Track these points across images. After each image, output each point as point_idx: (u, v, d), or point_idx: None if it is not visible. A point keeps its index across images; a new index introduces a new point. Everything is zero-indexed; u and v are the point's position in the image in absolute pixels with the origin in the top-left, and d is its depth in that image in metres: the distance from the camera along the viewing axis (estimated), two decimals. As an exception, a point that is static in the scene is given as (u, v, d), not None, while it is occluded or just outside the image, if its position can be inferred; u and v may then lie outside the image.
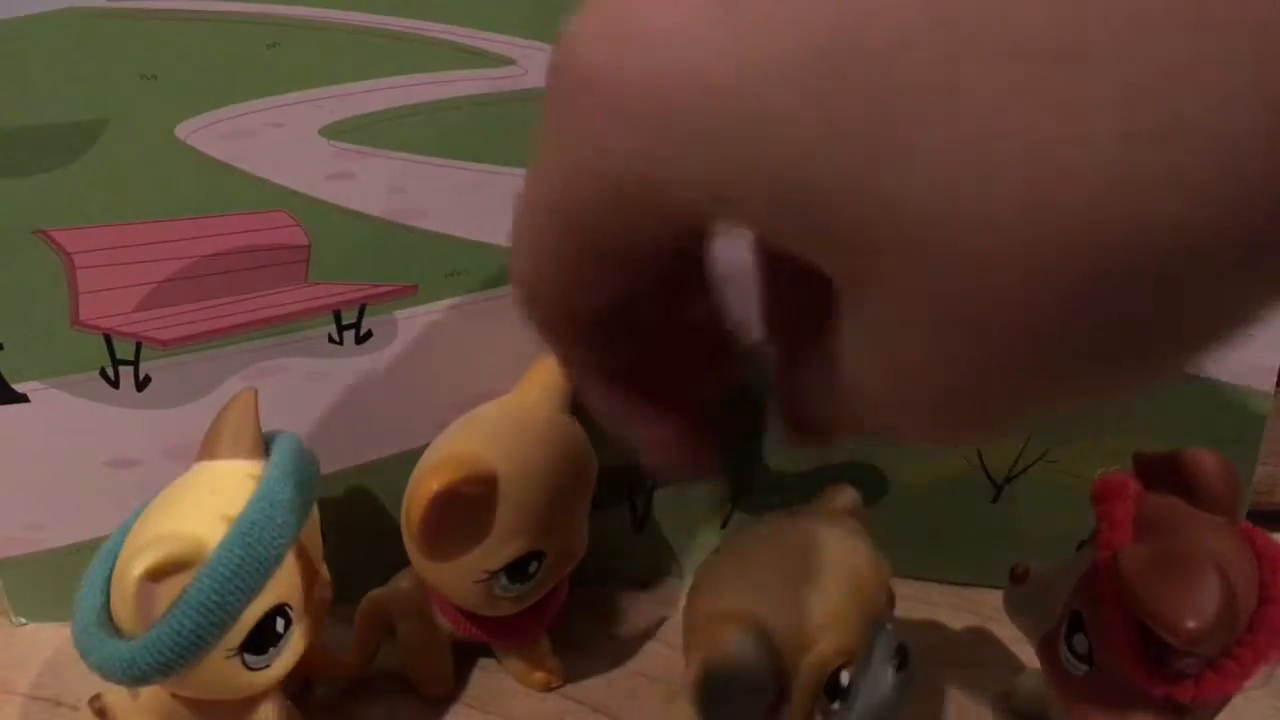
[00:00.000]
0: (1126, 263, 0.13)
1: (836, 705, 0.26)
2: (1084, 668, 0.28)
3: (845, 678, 0.26)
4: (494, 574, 0.31)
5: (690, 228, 0.17)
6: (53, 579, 0.37)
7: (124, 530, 0.29)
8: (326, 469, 0.33)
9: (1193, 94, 0.12)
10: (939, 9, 0.13)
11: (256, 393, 0.31)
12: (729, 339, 0.25)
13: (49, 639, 0.38)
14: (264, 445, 0.31)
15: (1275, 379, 0.35)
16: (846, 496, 0.31)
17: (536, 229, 0.19)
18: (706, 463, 0.24)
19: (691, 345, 0.25)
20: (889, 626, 0.28)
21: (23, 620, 0.39)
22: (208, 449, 0.31)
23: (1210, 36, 0.12)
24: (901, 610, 0.38)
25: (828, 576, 0.26)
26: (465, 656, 0.36)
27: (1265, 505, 0.41)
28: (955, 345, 0.15)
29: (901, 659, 0.27)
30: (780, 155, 0.14)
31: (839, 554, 0.27)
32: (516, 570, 0.31)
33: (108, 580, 0.28)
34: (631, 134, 0.16)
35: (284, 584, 0.29)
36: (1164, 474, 0.29)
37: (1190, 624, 0.24)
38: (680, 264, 0.22)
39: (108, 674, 0.27)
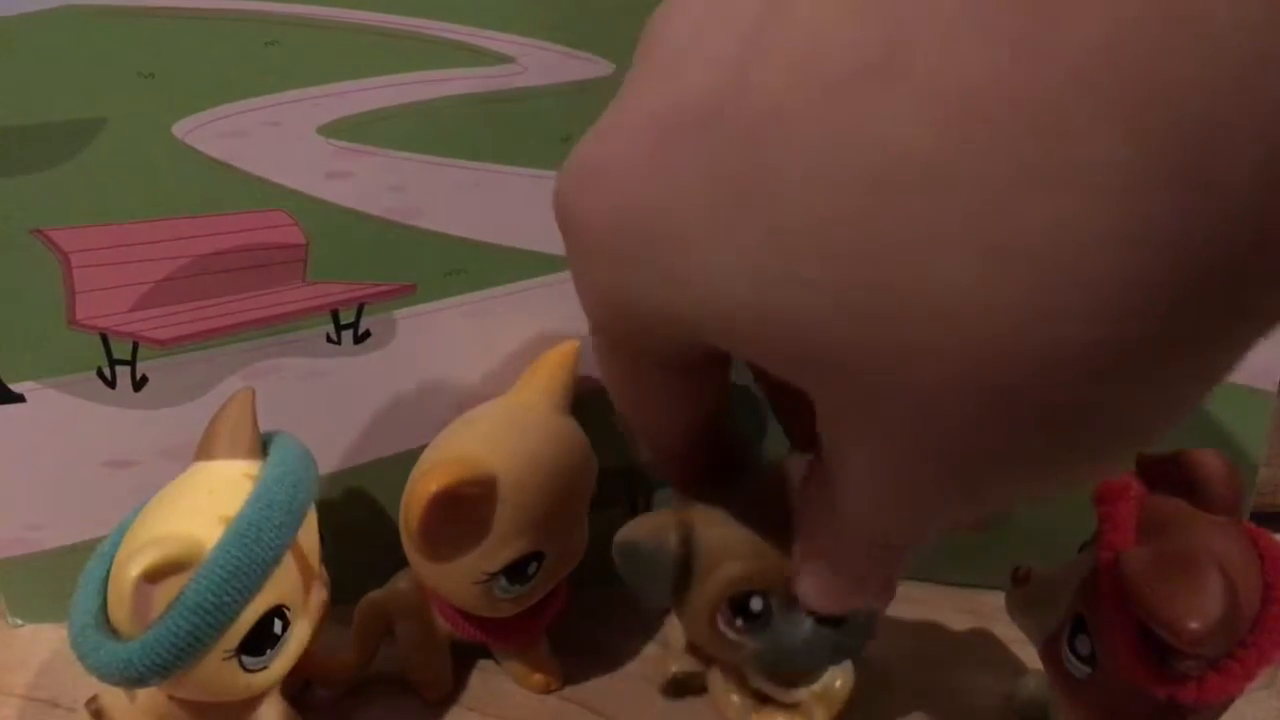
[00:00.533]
0: (1002, 383, 0.14)
1: (740, 622, 0.29)
2: (1086, 669, 0.28)
3: (756, 603, 0.29)
4: (493, 575, 0.31)
5: (686, 340, 0.18)
6: (49, 580, 0.37)
7: (121, 531, 0.29)
8: (324, 469, 0.33)
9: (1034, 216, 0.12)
10: (809, 145, 0.14)
11: (254, 392, 0.31)
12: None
13: (45, 640, 0.38)
14: (261, 445, 0.31)
15: (1278, 380, 0.35)
16: None
17: (605, 363, 0.22)
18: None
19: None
20: None
21: (19, 621, 0.39)
22: (205, 449, 0.31)
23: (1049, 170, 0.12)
24: (901, 611, 0.38)
25: (778, 520, 0.28)
26: (464, 658, 0.36)
27: (1268, 507, 0.41)
28: (883, 464, 0.16)
29: (831, 622, 0.29)
30: (703, 288, 0.16)
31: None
32: (516, 572, 0.31)
33: (105, 581, 0.28)
34: (597, 267, 0.18)
35: (282, 585, 0.28)
36: (1166, 475, 0.29)
37: (1193, 625, 0.24)
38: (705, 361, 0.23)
39: (105, 675, 0.27)
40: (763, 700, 0.33)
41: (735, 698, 0.33)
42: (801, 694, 0.32)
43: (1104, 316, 0.12)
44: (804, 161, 0.14)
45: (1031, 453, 0.15)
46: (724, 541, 0.29)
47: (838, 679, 0.33)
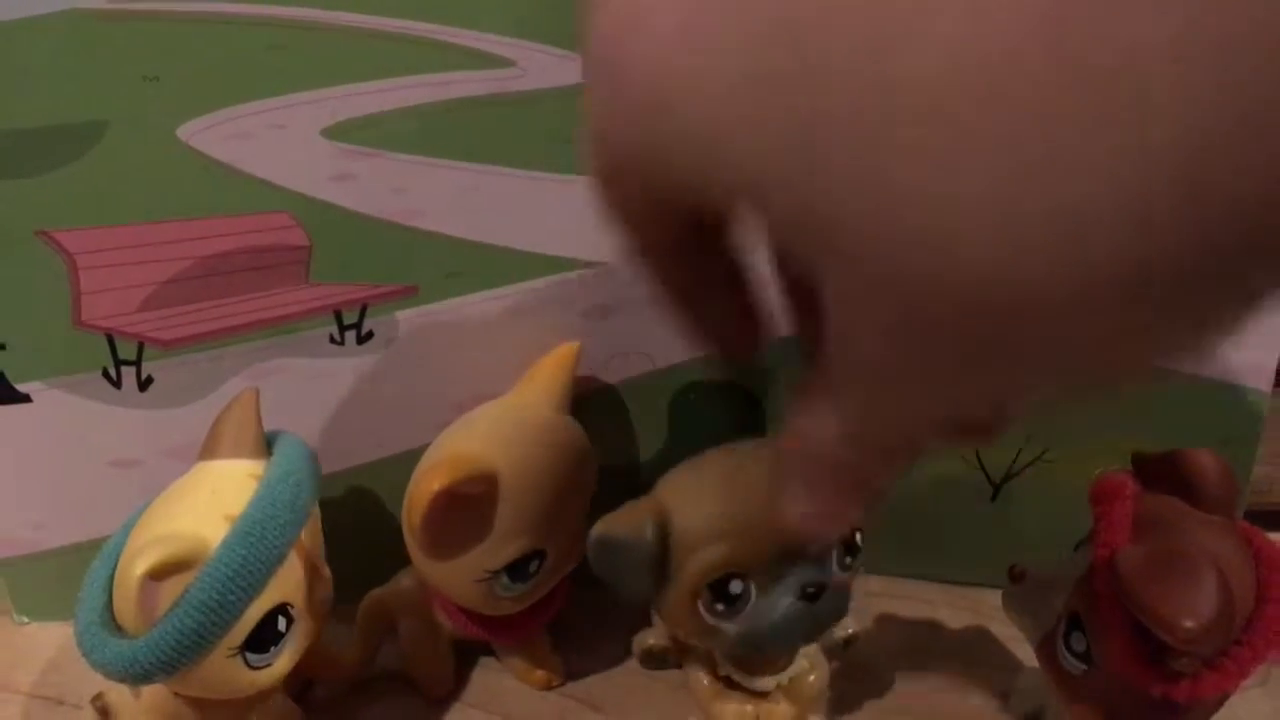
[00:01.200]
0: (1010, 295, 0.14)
1: (721, 607, 0.29)
2: (1082, 666, 0.29)
3: (736, 586, 0.29)
4: (495, 573, 0.31)
5: (690, 202, 0.18)
6: (55, 578, 0.37)
7: (126, 530, 0.29)
8: (328, 469, 0.33)
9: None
10: (861, 36, 0.13)
11: (258, 392, 0.31)
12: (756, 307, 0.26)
13: (51, 638, 0.38)
14: (265, 445, 0.31)
15: (1273, 378, 0.35)
16: None
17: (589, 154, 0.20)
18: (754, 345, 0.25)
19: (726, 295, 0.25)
20: (823, 568, 0.30)
21: (25, 619, 0.39)
22: (209, 449, 0.31)
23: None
24: (899, 608, 0.39)
25: (753, 499, 0.29)
26: (466, 655, 0.36)
27: (1263, 505, 0.41)
28: (887, 350, 0.16)
29: (809, 595, 0.29)
30: (727, 156, 0.15)
31: None
32: (517, 569, 0.32)
33: (110, 580, 0.28)
34: (626, 112, 0.17)
35: (286, 583, 0.29)
36: (1162, 474, 0.29)
37: (1188, 624, 0.25)
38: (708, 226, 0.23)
39: (110, 673, 0.27)
40: (731, 686, 0.33)
41: (706, 681, 0.34)
42: (769, 683, 0.33)
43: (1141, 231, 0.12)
44: (851, 42, 0.14)
45: (1034, 355, 0.15)
46: (701, 526, 0.29)
47: (811, 674, 0.33)
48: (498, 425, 0.33)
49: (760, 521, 0.29)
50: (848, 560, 0.31)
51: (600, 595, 0.35)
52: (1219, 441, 0.35)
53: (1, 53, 0.31)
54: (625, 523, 0.29)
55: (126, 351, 0.35)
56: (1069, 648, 0.29)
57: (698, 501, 0.30)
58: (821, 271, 0.16)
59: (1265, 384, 0.35)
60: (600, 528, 0.29)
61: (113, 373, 0.35)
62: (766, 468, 0.30)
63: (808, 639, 0.32)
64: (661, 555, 0.29)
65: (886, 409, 0.19)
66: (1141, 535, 0.28)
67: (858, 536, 0.31)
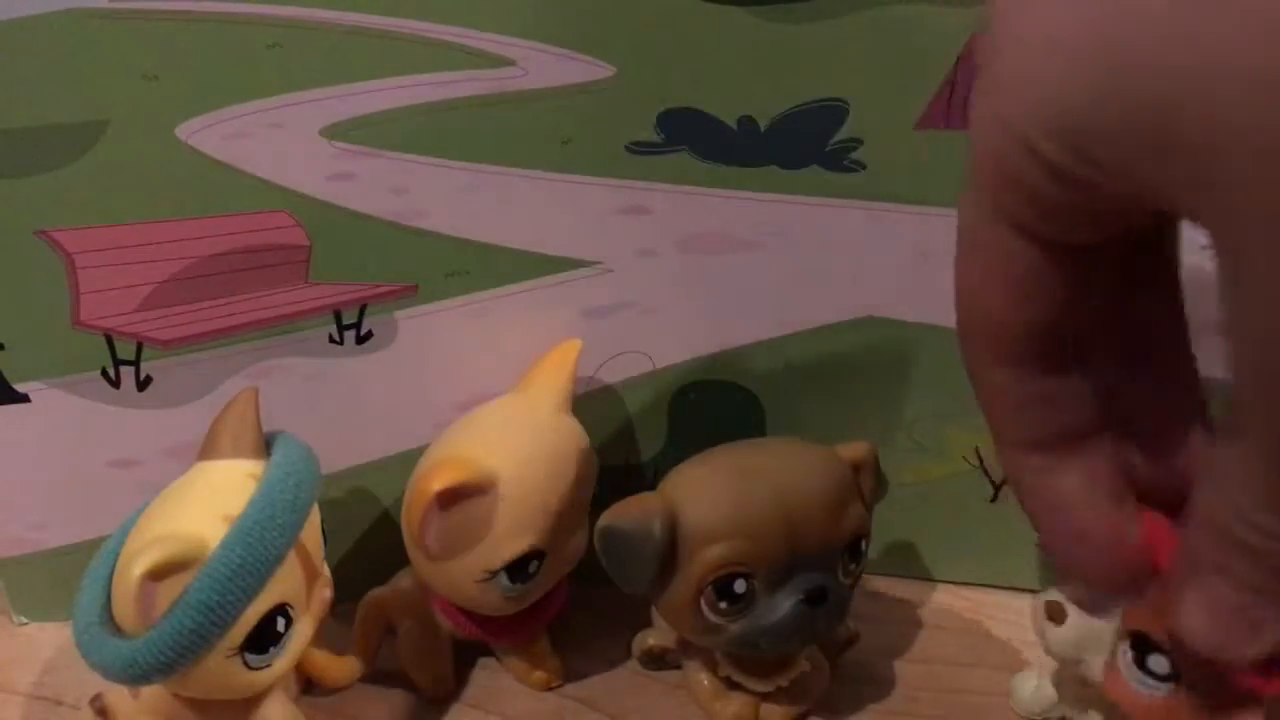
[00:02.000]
0: None
1: (724, 605, 0.29)
2: (1166, 687, 0.26)
3: (740, 585, 0.29)
4: (494, 574, 0.31)
5: (1118, 202, 0.17)
6: (54, 579, 0.37)
7: (125, 530, 0.29)
8: (327, 469, 0.33)
9: None
10: None
11: (257, 392, 0.31)
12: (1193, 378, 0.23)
13: (50, 639, 0.38)
14: (265, 445, 0.31)
15: None
16: (859, 450, 0.32)
17: (974, 228, 0.20)
18: (1133, 569, 0.22)
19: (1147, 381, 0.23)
20: (831, 573, 0.30)
21: (23, 620, 0.39)
22: (208, 449, 0.31)
23: None
24: (900, 610, 0.39)
25: (766, 499, 0.29)
26: (465, 656, 0.36)
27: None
28: None
29: (812, 599, 0.29)
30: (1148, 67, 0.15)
31: (792, 486, 0.30)
32: (517, 570, 0.31)
33: (109, 580, 0.28)
34: (1044, 77, 0.17)
35: (285, 584, 0.29)
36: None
37: None
38: (1130, 263, 0.22)
39: (109, 674, 0.27)
40: (732, 686, 0.33)
41: (706, 680, 0.34)
42: (769, 684, 0.33)
43: None
44: None
45: None
46: (709, 523, 0.29)
47: (811, 676, 0.33)
48: (497, 425, 0.33)
49: (769, 522, 0.29)
50: (852, 566, 0.31)
51: (600, 595, 0.35)
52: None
53: (1, 52, 0.31)
54: (633, 514, 0.29)
55: (125, 351, 0.35)
56: (1148, 672, 0.26)
57: (706, 498, 0.30)
58: (1235, 225, 0.15)
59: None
60: (607, 517, 0.29)
61: (111, 373, 0.35)
62: (778, 467, 0.30)
63: (809, 641, 0.32)
64: (667, 549, 0.29)
65: None
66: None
67: (863, 544, 0.31)
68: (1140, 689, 0.26)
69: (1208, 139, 0.15)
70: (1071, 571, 0.23)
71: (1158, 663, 0.26)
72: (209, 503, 0.28)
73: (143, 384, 0.35)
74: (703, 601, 0.30)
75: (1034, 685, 0.33)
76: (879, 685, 0.35)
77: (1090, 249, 0.19)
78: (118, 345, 0.35)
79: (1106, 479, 0.22)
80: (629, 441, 0.38)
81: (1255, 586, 0.18)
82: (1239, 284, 0.16)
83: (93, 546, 0.30)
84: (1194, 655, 0.20)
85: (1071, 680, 0.31)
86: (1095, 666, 0.28)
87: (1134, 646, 0.26)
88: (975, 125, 0.19)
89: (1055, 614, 0.28)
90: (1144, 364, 0.22)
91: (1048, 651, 0.30)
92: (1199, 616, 0.19)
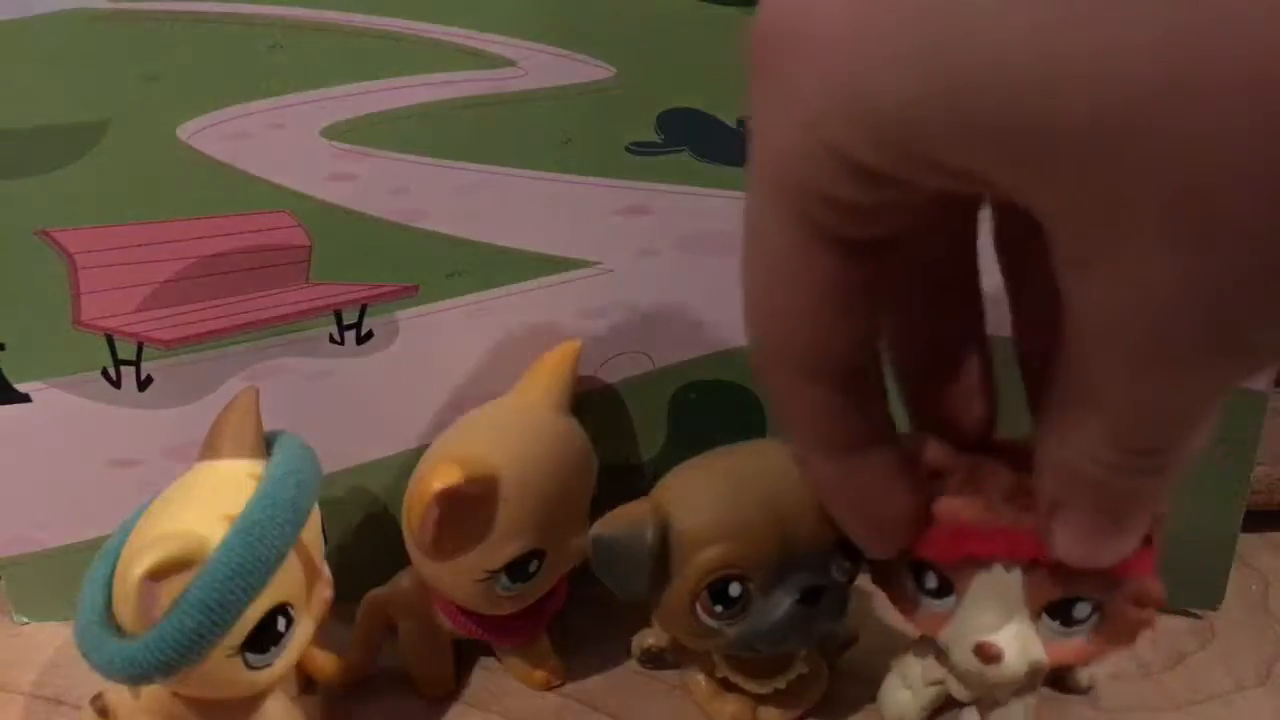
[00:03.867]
0: None
1: (720, 609, 0.29)
2: (1089, 624, 0.28)
3: (734, 589, 0.29)
4: (495, 573, 0.31)
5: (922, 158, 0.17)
6: (54, 578, 0.37)
7: (125, 530, 0.29)
8: (327, 469, 0.33)
9: None
10: None
11: (258, 392, 0.31)
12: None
13: (50, 638, 0.38)
14: (265, 445, 0.31)
15: (1273, 378, 0.35)
16: None
17: (766, 234, 0.20)
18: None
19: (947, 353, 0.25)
20: (826, 572, 0.30)
21: (24, 620, 0.39)
22: (209, 449, 0.31)
23: None
24: (892, 612, 0.38)
25: (754, 501, 0.29)
26: (466, 656, 0.36)
27: (1263, 506, 0.41)
28: (1191, 255, 0.14)
29: (808, 598, 0.29)
30: (972, 50, 0.14)
31: (782, 485, 0.29)
32: (517, 569, 0.32)
33: (109, 579, 0.28)
34: (833, 71, 0.16)
35: (286, 583, 0.29)
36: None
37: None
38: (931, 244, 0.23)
39: (109, 673, 0.27)
40: (730, 688, 0.33)
41: (704, 681, 0.34)
42: (767, 686, 0.33)
43: None
44: None
45: None
46: (701, 527, 0.29)
47: (810, 678, 0.33)
48: (498, 425, 0.33)
49: (761, 523, 0.29)
50: (848, 565, 0.31)
51: (600, 595, 0.35)
52: (1218, 441, 0.35)
53: (1, 52, 0.31)
54: (625, 522, 0.29)
55: (126, 351, 0.35)
56: (1075, 623, 0.28)
57: (699, 502, 0.30)
58: (1075, 189, 0.15)
59: (1264, 383, 0.35)
60: (599, 527, 0.29)
61: (112, 373, 0.35)
62: (769, 469, 0.30)
63: (805, 642, 0.32)
64: (661, 556, 0.29)
65: (1164, 376, 0.16)
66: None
67: None
68: (1073, 639, 0.28)
69: (1049, 130, 0.14)
70: (874, 551, 0.28)
71: (1080, 609, 0.28)
72: (210, 502, 0.28)
73: (143, 384, 0.35)
74: (698, 606, 0.30)
75: (908, 695, 0.33)
76: (878, 686, 0.35)
77: (889, 244, 0.20)
78: (118, 345, 0.35)
79: (901, 469, 0.25)
80: (629, 441, 0.38)
81: (1105, 510, 0.22)
82: (1087, 268, 0.16)
83: (93, 546, 0.30)
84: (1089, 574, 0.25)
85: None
86: (1038, 658, 0.29)
87: (1053, 615, 0.28)
88: (765, 130, 0.18)
89: (994, 655, 0.28)
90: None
91: (994, 686, 0.30)
92: (1072, 543, 0.23)
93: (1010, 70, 0.14)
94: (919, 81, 0.15)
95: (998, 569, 0.28)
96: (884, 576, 0.31)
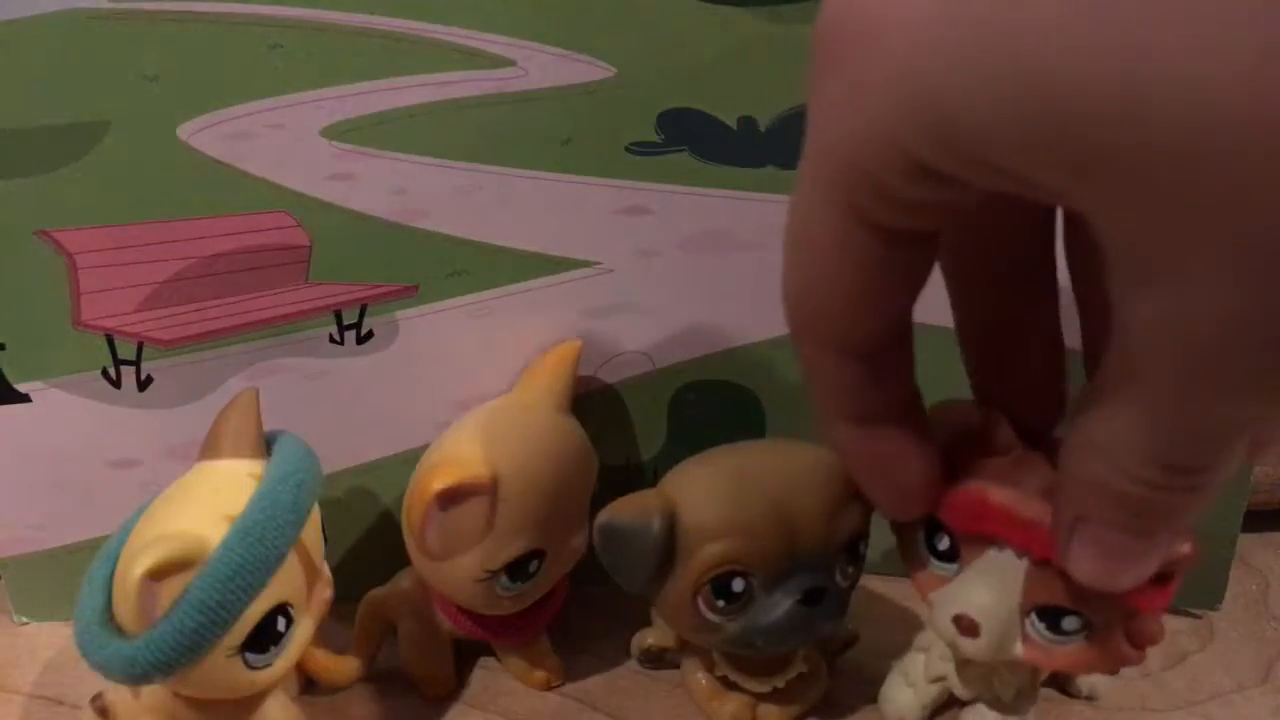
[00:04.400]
0: None
1: (721, 603, 0.30)
2: (1078, 638, 0.28)
3: (737, 584, 0.29)
4: (494, 573, 0.31)
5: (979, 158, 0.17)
6: (54, 578, 0.37)
7: (125, 530, 0.29)
8: (328, 469, 0.33)
9: None
10: None
11: (257, 392, 0.31)
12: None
13: (50, 638, 0.38)
14: (265, 445, 0.31)
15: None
16: None
17: (812, 224, 0.19)
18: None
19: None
20: (829, 574, 0.30)
21: (24, 619, 0.39)
22: (209, 449, 0.31)
23: None
24: (902, 611, 0.39)
25: (762, 499, 0.29)
26: (466, 656, 0.37)
27: (1263, 505, 0.41)
28: (1259, 282, 0.14)
29: (809, 599, 0.30)
30: (1033, 60, 0.14)
31: (789, 485, 0.30)
32: (517, 569, 0.32)
33: (109, 580, 0.28)
34: (898, 68, 0.16)
35: (286, 583, 0.29)
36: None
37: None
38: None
39: (109, 673, 0.27)
40: (730, 687, 0.33)
41: (703, 680, 0.34)
42: (766, 685, 0.33)
43: None
44: None
45: None
46: (708, 521, 0.29)
47: (809, 677, 0.33)
48: (498, 425, 0.33)
49: (767, 522, 0.29)
50: (850, 569, 0.31)
51: (600, 595, 0.35)
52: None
53: (1, 52, 0.31)
54: (632, 511, 0.29)
55: (126, 351, 0.35)
56: (1063, 633, 0.28)
57: (706, 496, 0.30)
58: (1135, 223, 0.15)
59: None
60: (606, 514, 0.29)
61: (112, 373, 0.35)
62: (777, 469, 0.30)
63: (805, 641, 0.32)
64: (666, 547, 0.29)
65: (1213, 397, 0.16)
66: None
67: (861, 545, 0.31)
68: (1057, 649, 0.28)
69: (1129, 148, 0.14)
70: (888, 514, 0.28)
71: (1070, 622, 0.28)
72: (210, 502, 0.28)
73: (144, 384, 0.35)
74: (700, 600, 0.30)
75: (910, 693, 0.33)
76: (877, 685, 0.35)
77: (933, 234, 0.20)
78: (119, 345, 0.35)
79: (920, 442, 0.25)
80: (629, 441, 0.38)
81: (1133, 529, 0.21)
82: (1147, 285, 0.16)
83: (94, 546, 0.30)
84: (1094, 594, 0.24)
85: (971, 667, 0.32)
86: (1013, 651, 0.29)
87: (1042, 617, 0.28)
88: (825, 116, 0.18)
89: (969, 628, 0.29)
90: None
91: (966, 660, 0.30)
92: (1090, 560, 0.22)
93: (1094, 86, 0.14)
94: (992, 87, 0.15)
95: (1008, 553, 0.28)
96: (901, 526, 0.31)
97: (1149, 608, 0.27)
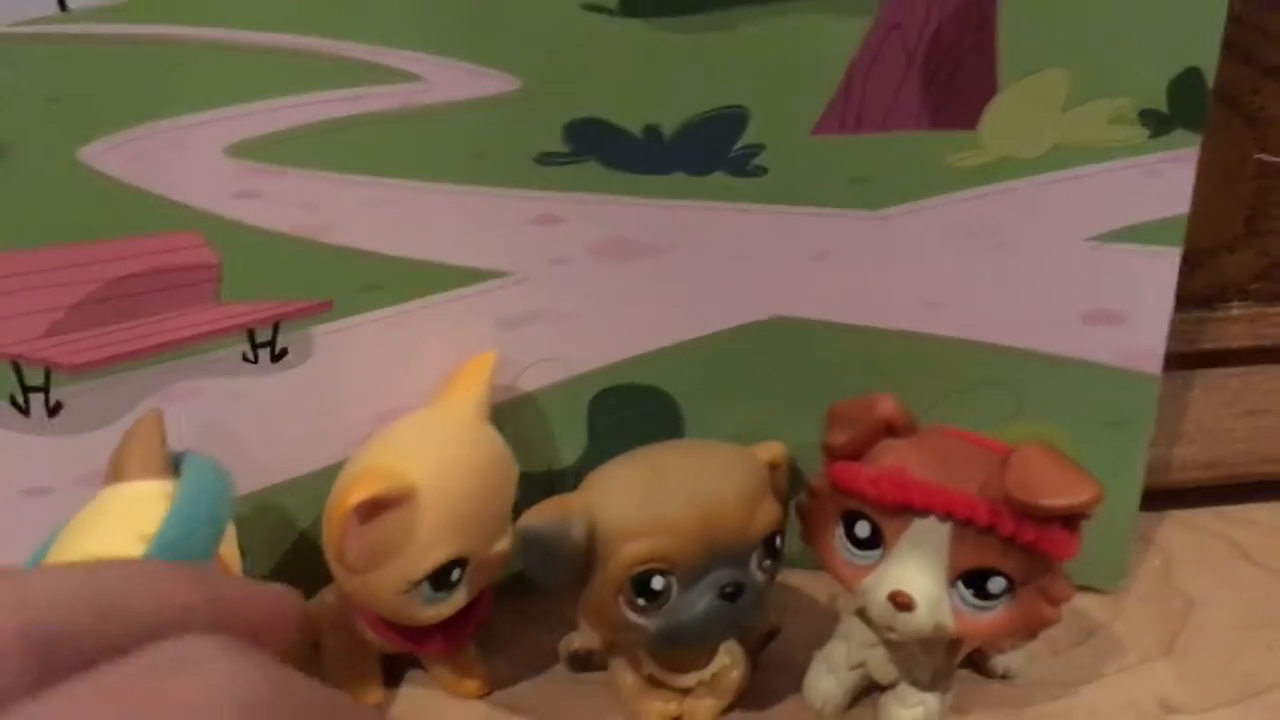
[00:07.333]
0: None
1: (642, 602, 0.30)
2: (1001, 602, 0.30)
3: (658, 582, 0.30)
4: (417, 584, 0.31)
5: None
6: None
7: (38, 558, 0.29)
8: (246, 488, 0.33)
9: None
10: None
11: (161, 413, 0.31)
12: None
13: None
14: (173, 465, 0.31)
15: (1162, 362, 0.37)
16: (773, 449, 0.33)
17: None
18: None
19: None
20: (746, 569, 0.31)
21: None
22: (116, 471, 0.30)
23: None
24: (822, 603, 0.39)
25: (682, 497, 0.30)
26: (394, 669, 0.36)
27: (1160, 485, 0.42)
28: None
29: (728, 594, 0.30)
30: None
31: (708, 485, 0.31)
32: (439, 579, 0.32)
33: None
34: None
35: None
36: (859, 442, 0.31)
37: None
38: None
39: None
40: (656, 684, 0.34)
41: (630, 679, 0.34)
42: (691, 680, 0.34)
43: None
44: None
45: None
46: (628, 520, 0.30)
47: (733, 670, 0.34)
48: (416, 436, 0.33)
49: (686, 520, 0.30)
50: (767, 563, 0.32)
51: (525, 602, 0.36)
52: (1112, 423, 0.37)
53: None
54: (552, 514, 0.30)
55: (34, 378, 0.34)
56: (989, 596, 0.30)
57: (623, 497, 0.30)
58: None
59: (1155, 367, 0.37)
60: (527, 519, 0.30)
61: (20, 400, 0.34)
62: (694, 467, 0.31)
63: (725, 636, 0.33)
64: (586, 548, 0.30)
65: None
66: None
67: (778, 539, 0.32)
68: (983, 615, 0.30)
69: None
70: None
71: (995, 584, 0.30)
72: (124, 524, 0.28)
73: (53, 410, 0.35)
74: (622, 599, 0.30)
75: (832, 680, 0.34)
76: (800, 675, 0.36)
77: None
78: (25, 372, 0.34)
79: None
80: (549, 448, 0.38)
81: None
82: None
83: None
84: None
85: (891, 649, 0.33)
86: (947, 622, 0.30)
87: (969, 584, 0.30)
88: None
89: (905, 603, 0.30)
90: None
91: (902, 638, 0.31)
92: None
93: None
94: None
95: (931, 520, 0.30)
96: (814, 528, 0.32)
97: (1063, 554, 0.29)
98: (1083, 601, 0.39)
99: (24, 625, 0.14)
